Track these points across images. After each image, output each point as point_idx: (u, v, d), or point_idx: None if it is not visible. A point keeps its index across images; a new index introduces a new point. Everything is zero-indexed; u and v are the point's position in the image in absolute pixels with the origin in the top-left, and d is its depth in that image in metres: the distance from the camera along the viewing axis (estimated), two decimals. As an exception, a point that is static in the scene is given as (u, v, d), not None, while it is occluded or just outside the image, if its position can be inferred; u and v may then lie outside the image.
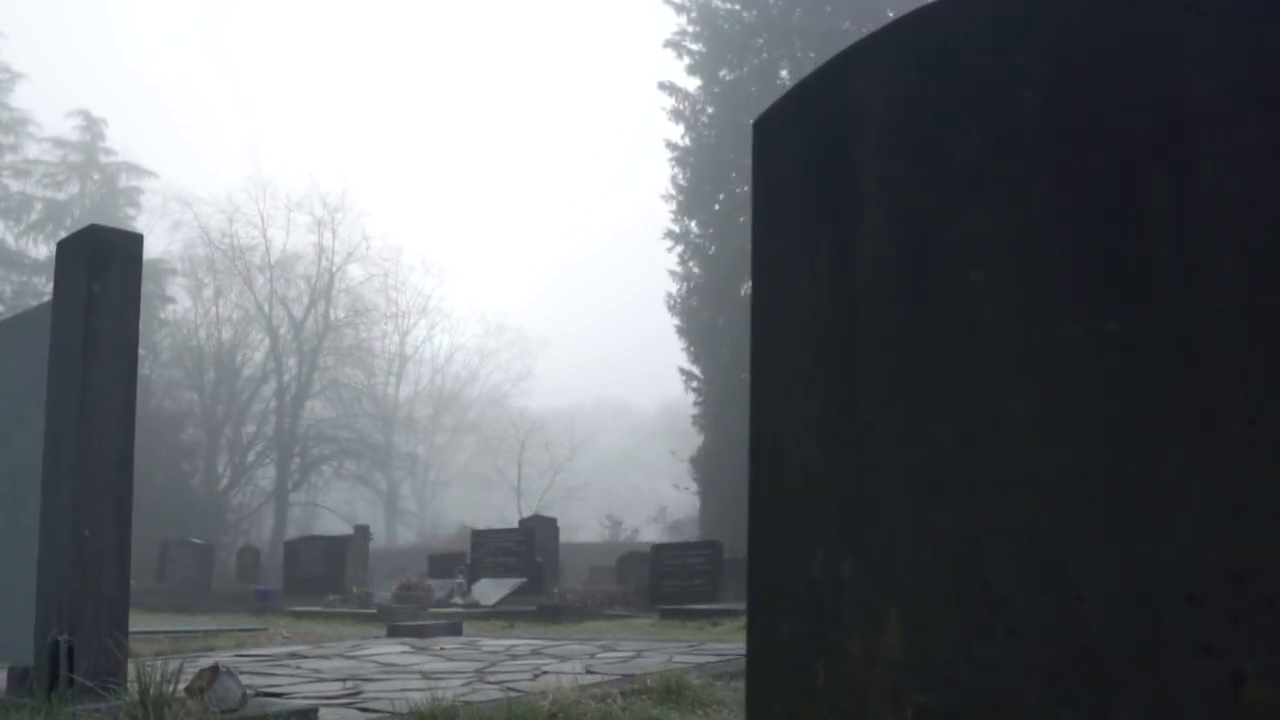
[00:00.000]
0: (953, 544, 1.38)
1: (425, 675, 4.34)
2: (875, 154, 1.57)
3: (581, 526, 30.55)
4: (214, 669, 2.89)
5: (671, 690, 3.66)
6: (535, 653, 5.32)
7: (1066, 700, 1.21)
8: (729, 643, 6.09)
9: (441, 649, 5.61)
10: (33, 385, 3.48)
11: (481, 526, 25.06)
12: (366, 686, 3.98)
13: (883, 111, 1.57)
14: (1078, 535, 1.26)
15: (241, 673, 4.07)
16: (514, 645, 5.86)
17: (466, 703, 3.41)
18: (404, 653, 5.44)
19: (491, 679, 4.15)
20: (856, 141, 1.59)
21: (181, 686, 2.83)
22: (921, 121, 1.51)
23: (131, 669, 3.25)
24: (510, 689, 3.81)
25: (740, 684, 4.07)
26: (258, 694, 3.34)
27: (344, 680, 4.20)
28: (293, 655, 5.51)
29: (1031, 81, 1.36)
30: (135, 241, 3.41)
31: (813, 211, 1.68)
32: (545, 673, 4.34)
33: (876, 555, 1.48)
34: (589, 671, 4.30)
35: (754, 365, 1.77)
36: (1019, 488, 1.32)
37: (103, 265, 3.27)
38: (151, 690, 2.67)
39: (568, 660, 4.85)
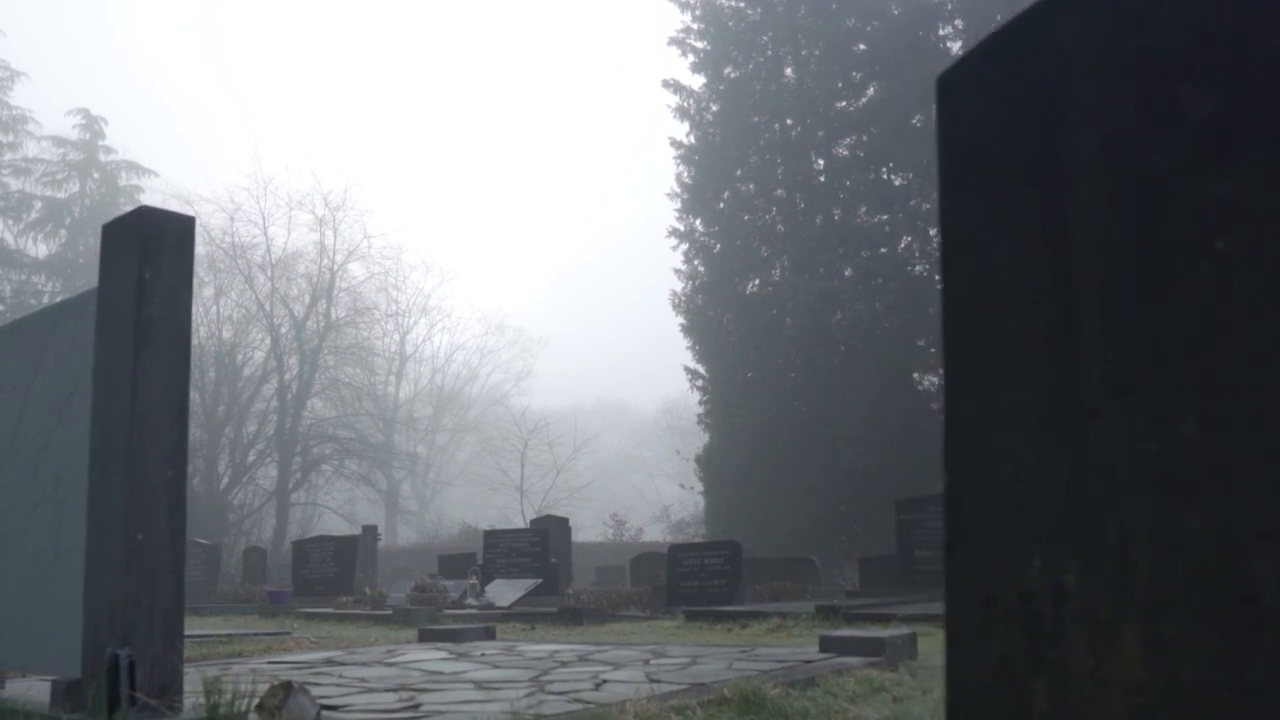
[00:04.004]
0: (1204, 550, 1.18)
1: (479, 685, 4.14)
2: (1092, 111, 1.36)
3: (583, 526, 30.35)
4: (286, 685, 2.68)
5: (750, 701, 3.46)
6: (583, 659, 5.11)
7: (1362, 733, 1.03)
8: (776, 647, 5.89)
9: (482, 655, 5.41)
10: (78, 377, 3.28)
11: (484, 526, 24.88)
12: (423, 698, 3.77)
13: (1101, 63, 1.35)
14: (1366, 541, 1.07)
15: (277, 681, 3.86)
16: (557, 651, 5.65)
17: (542, 715, 3.21)
18: (444, 659, 5.23)
19: (552, 689, 3.95)
20: (1068, 97, 1.38)
21: (245, 704, 2.62)
22: (1149, 74, 1.30)
23: (188, 681, 3.05)
24: (578, 700, 3.61)
25: (816, 692, 3.88)
26: (325, 708, 3.13)
27: (395, 690, 4.00)
28: (328, 662, 5.30)
29: (1284, 23, 1.17)
30: (188, 225, 3.20)
31: (1014, 177, 1.46)
32: (606, 681, 4.14)
33: (1108, 563, 1.28)
34: (651, 680, 4.10)
35: (947, 350, 1.56)
36: (1288, 486, 1.13)
37: (154, 250, 3.06)
38: (221, 709, 2.47)
39: (622, 667, 4.65)
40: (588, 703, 3.51)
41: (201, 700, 2.66)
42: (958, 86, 1.58)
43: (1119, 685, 1.23)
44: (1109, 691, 1.24)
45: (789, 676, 4.07)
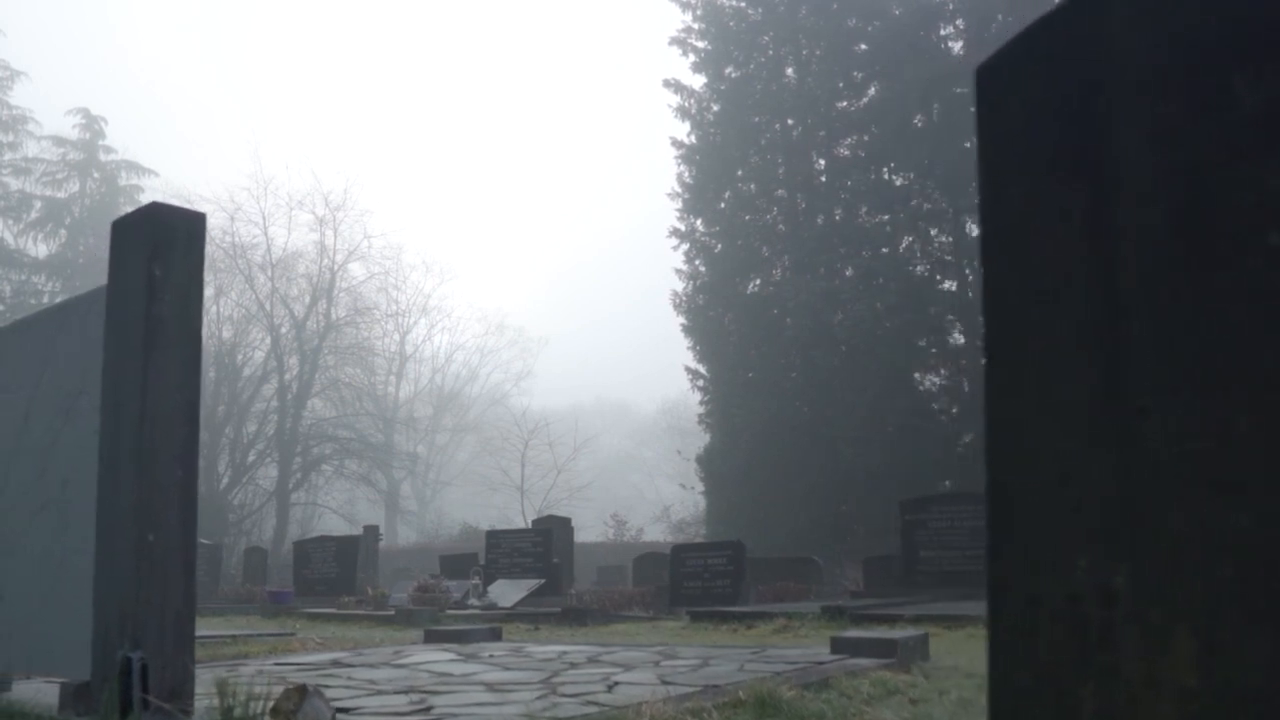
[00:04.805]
0: (1259, 552, 1.15)
1: (490, 687, 4.11)
2: (1137, 102, 1.32)
3: (584, 526, 30.35)
4: (301, 689, 2.64)
5: (766, 704, 3.42)
6: (593, 660, 5.07)
7: None
8: (786, 648, 5.85)
9: (490, 656, 5.37)
10: (85, 377, 3.24)
11: (484, 526, 24.83)
12: (434, 700, 3.73)
13: (1147, 53, 1.32)
14: None
15: (285, 683, 3.82)
16: (565, 652, 5.61)
17: (557, 719, 3.17)
18: (452, 661, 5.19)
19: (565, 691, 3.90)
20: (1113, 89, 1.34)
21: (261, 707, 2.58)
22: (1198, 62, 1.27)
23: (197, 683, 3.01)
24: (592, 702, 3.57)
25: (831, 694, 3.85)
26: (337, 710, 3.09)
27: (406, 693, 3.95)
28: (335, 663, 5.26)
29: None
30: (198, 221, 3.16)
31: (1058, 169, 1.43)
32: (618, 683, 4.10)
33: (1158, 564, 1.24)
34: (664, 682, 4.06)
35: (989, 347, 1.52)
36: (1346, 486, 1.09)
37: (165, 246, 3.02)
38: (236, 712, 2.43)
39: (633, 669, 4.61)
40: (602, 705, 3.47)
41: (214, 703, 2.62)
42: (998, 76, 1.54)
43: (1171, 690, 1.20)
44: (1160, 696, 1.20)
45: (803, 678, 4.03)
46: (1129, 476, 1.27)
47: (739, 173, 25.11)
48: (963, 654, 5.49)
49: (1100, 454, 1.30)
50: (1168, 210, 1.25)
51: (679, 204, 25.65)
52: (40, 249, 35.50)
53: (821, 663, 4.59)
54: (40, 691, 3.45)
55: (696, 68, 25.89)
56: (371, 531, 20.18)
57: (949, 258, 22.60)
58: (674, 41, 26.06)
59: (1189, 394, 1.22)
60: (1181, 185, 1.25)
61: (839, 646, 4.92)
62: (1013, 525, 1.44)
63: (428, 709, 3.52)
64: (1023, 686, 1.41)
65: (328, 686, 4.11)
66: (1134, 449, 1.27)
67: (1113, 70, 1.34)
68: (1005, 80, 1.53)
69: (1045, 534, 1.38)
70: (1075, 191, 1.37)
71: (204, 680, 3.30)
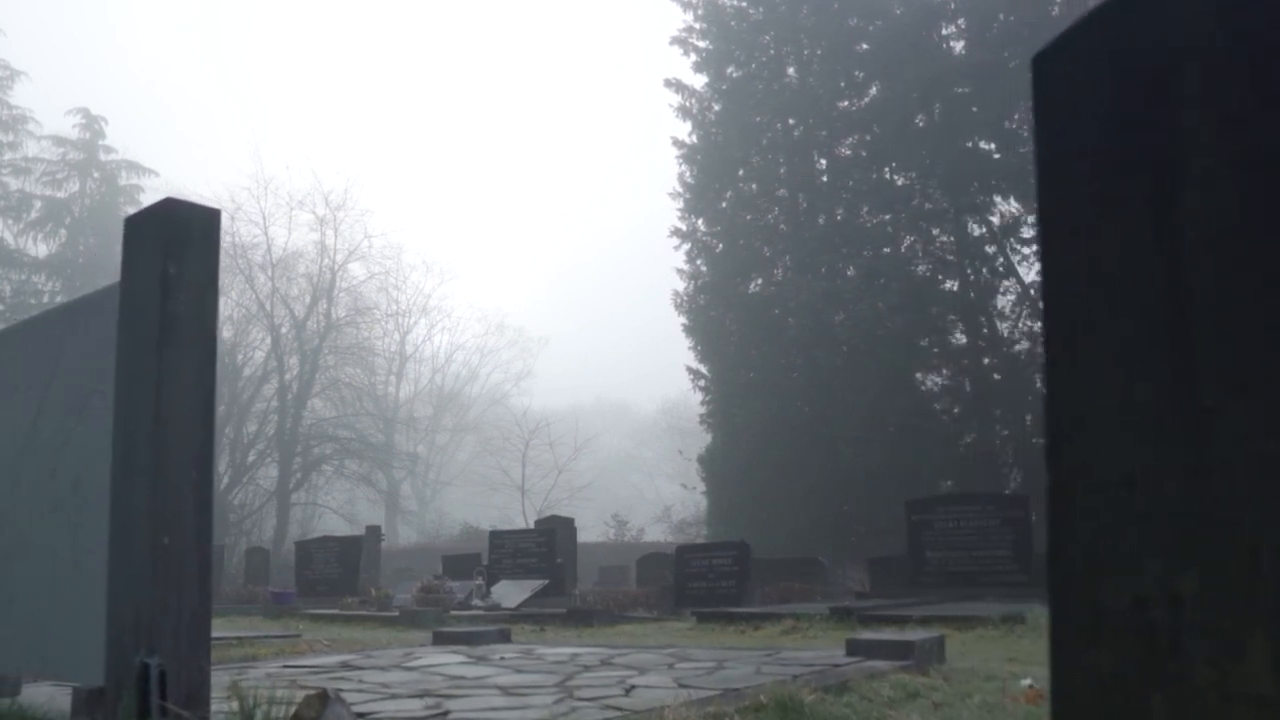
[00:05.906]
0: None
1: (505, 691, 4.05)
2: (1205, 91, 1.26)
3: (584, 526, 30.25)
4: (323, 695, 2.59)
5: (788, 707, 3.37)
6: (605, 663, 5.02)
7: None
8: (799, 650, 5.80)
9: (501, 659, 5.31)
10: (98, 376, 3.18)
11: (485, 526, 24.79)
12: (450, 704, 3.68)
13: (1215, 41, 1.26)
14: None
15: (298, 687, 3.77)
16: (577, 654, 5.56)
17: (578, 724, 3.13)
18: (464, 663, 5.13)
19: (581, 695, 3.85)
20: (1179, 77, 1.29)
21: (282, 712, 2.53)
22: (1270, 45, 1.22)
23: (216, 688, 2.96)
24: (612, 706, 3.52)
25: (852, 697, 3.80)
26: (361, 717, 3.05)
27: (420, 697, 3.90)
28: (345, 665, 5.21)
29: None
30: (213, 218, 3.11)
31: (1118, 160, 1.37)
32: (634, 686, 4.05)
33: (1231, 570, 1.19)
34: (681, 685, 4.01)
35: (1049, 346, 1.47)
36: None
37: (180, 244, 2.96)
38: (257, 717, 2.38)
39: (647, 672, 4.56)
40: (623, 710, 3.42)
41: (233, 707, 2.58)
42: (1055, 65, 1.48)
43: (1245, 700, 1.15)
44: (1234, 707, 1.15)
45: (821, 681, 3.98)
46: (1199, 478, 1.22)
47: (740, 172, 25.07)
48: (977, 655, 5.45)
49: (1168, 455, 1.25)
50: (1237, 201, 1.20)
51: (680, 204, 25.61)
52: (40, 249, 35.47)
53: (838, 665, 4.54)
54: (52, 697, 3.40)
55: (698, 67, 25.85)
56: (374, 532, 20.13)
57: (950, 258, 22.56)
58: (675, 41, 26.02)
59: (1262, 392, 1.18)
60: (1252, 175, 1.20)
61: (854, 648, 4.88)
62: (1075, 528, 1.39)
63: (444, 713, 3.47)
64: (1087, 695, 1.36)
65: (340, 690, 4.06)
66: (1204, 450, 1.21)
67: (1179, 54, 1.29)
68: (1062, 72, 1.47)
69: (1110, 537, 1.33)
70: (1139, 183, 1.32)
71: (215, 683, 3.25)
